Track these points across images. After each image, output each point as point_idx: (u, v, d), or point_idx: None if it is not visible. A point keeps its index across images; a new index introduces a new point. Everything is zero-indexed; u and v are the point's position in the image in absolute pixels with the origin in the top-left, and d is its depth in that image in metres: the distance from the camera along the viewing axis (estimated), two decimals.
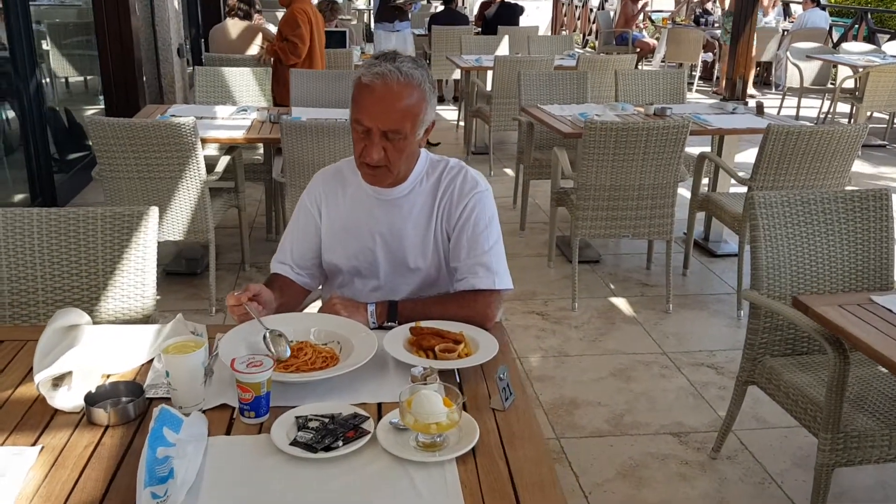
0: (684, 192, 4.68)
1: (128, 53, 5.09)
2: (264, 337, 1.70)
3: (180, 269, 4.34)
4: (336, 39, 6.90)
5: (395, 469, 1.38)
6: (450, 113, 9.13)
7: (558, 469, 2.75)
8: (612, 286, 4.37)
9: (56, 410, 1.52)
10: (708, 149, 5.08)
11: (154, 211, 2.28)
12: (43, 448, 1.41)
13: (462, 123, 7.80)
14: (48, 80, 6.30)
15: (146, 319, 2.26)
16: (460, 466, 1.38)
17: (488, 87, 6.76)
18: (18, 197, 5.12)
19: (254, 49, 6.08)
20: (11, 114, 4.96)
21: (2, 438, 1.44)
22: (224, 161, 3.93)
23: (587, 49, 15.42)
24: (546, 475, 1.37)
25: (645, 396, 3.25)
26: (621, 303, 4.16)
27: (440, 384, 1.51)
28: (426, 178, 2.04)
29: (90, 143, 3.74)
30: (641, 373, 3.44)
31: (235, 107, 4.65)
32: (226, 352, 1.64)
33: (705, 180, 5.14)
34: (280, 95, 5.43)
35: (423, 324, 1.81)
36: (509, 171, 6.56)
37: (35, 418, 1.50)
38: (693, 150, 5.02)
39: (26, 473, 1.34)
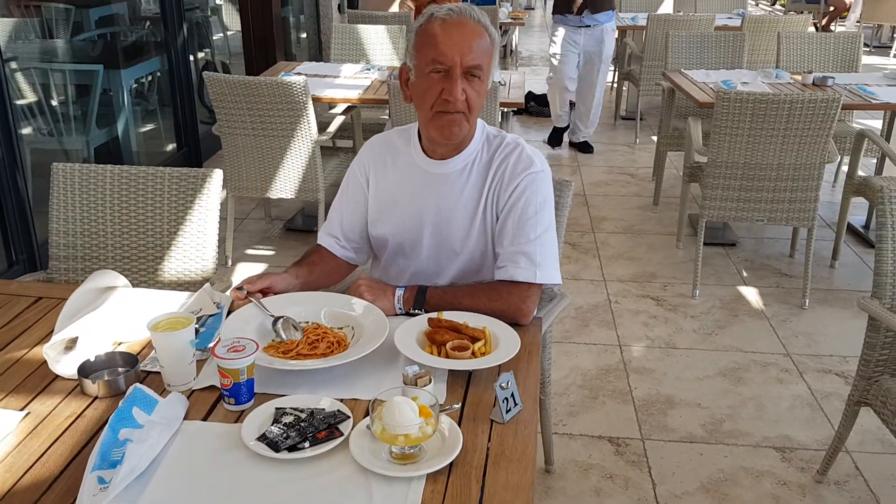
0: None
1: (266, 10, 5.19)
2: (273, 324, 1.63)
3: (298, 226, 4.41)
4: None
5: (358, 480, 1.26)
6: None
7: (635, 474, 2.53)
8: (744, 274, 3.97)
9: (57, 376, 1.53)
10: (879, 125, 4.49)
11: (218, 174, 2.26)
12: (28, 414, 1.41)
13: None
14: (204, 34, 6.59)
15: (205, 283, 2.26)
16: (429, 485, 1.24)
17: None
18: (169, 147, 5.41)
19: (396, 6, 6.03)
20: (165, 67, 5.21)
21: None
22: (339, 120, 3.92)
23: (776, 6, 14.22)
24: None
25: (753, 402, 2.92)
26: (751, 293, 3.77)
27: (425, 390, 1.36)
28: (481, 153, 1.88)
29: None
30: (755, 375, 3.10)
31: (361, 65, 4.62)
32: (230, 332, 1.58)
33: (873, 160, 4.56)
34: None
35: (447, 315, 1.66)
36: (656, 139, 6.14)
37: (35, 381, 1.51)
38: (866, 124, 4.43)
39: (2, 439, 1.34)
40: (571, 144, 6.11)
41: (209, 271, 2.27)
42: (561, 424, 2.78)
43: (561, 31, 5.64)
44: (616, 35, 5.88)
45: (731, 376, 3.08)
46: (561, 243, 2.19)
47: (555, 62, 5.75)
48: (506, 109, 3.98)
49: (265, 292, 1.77)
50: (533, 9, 14.78)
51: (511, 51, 9.15)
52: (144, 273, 2.29)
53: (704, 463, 2.59)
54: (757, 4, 14.48)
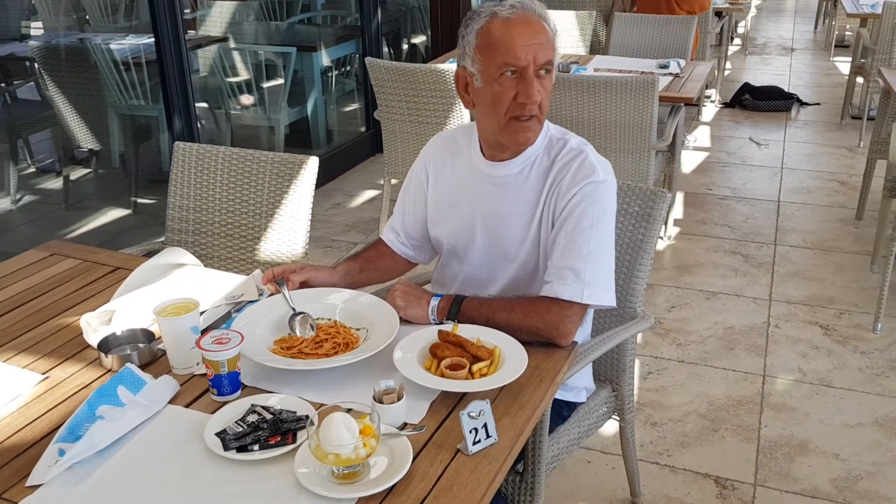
0: None
1: None
2: (290, 318, 1.62)
3: None
4: None
5: (288, 494, 1.22)
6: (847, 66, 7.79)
7: None
8: None
9: (88, 345, 1.63)
10: None
11: (314, 161, 2.30)
12: (46, 378, 1.52)
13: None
14: (418, 18, 6.76)
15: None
16: None
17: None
18: (361, 129, 5.64)
19: None
20: (358, 51, 5.42)
21: (31, 360, 1.58)
22: None
23: None
24: None
25: None
26: None
27: (371, 408, 1.28)
28: (542, 156, 1.75)
29: None
30: None
31: None
32: (245, 321, 1.60)
33: None
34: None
35: (462, 329, 1.56)
36: None
37: (69, 348, 1.63)
38: None
39: (12, 398, 1.46)
40: None
41: (298, 255, 2.33)
42: (666, 455, 2.53)
43: None
44: None
45: (888, 428, 2.64)
46: (649, 262, 1.99)
47: None
48: (673, 105, 3.66)
49: (304, 285, 1.76)
50: None
51: (731, 37, 8.45)
52: (243, 251, 2.39)
53: None
54: None
